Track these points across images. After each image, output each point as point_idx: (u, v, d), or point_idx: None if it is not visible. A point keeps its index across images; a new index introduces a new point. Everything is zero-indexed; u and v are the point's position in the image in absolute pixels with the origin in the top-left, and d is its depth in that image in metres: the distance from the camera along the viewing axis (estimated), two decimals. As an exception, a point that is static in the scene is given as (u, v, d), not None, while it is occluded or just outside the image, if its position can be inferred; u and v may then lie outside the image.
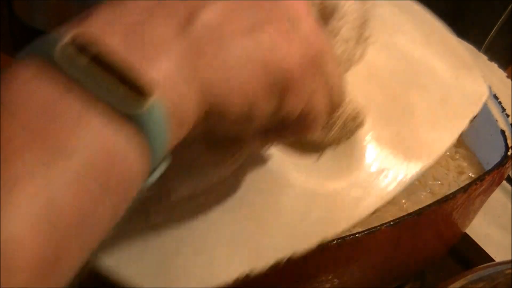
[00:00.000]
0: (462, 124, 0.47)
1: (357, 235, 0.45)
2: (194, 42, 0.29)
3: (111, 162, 0.26)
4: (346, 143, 0.42)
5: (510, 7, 0.77)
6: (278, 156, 0.41)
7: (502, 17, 0.77)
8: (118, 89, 0.26)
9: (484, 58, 0.58)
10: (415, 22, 0.51)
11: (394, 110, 0.45)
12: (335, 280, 0.48)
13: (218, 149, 0.36)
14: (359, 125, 0.41)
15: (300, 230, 0.39)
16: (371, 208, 0.42)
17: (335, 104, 0.36)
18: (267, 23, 0.31)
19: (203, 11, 0.30)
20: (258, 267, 0.37)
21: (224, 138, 0.35)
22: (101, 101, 0.26)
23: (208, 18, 0.30)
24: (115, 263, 0.36)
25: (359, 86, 0.42)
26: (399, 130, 0.44)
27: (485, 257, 0.64)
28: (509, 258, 0.56)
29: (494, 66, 0.58)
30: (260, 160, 0.40)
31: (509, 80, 0.56)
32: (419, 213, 0.47)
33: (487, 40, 0.77)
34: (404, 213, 0.46)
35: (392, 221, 0.46)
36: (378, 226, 0.45)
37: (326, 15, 0.39)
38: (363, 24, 0.41)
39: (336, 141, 0.41)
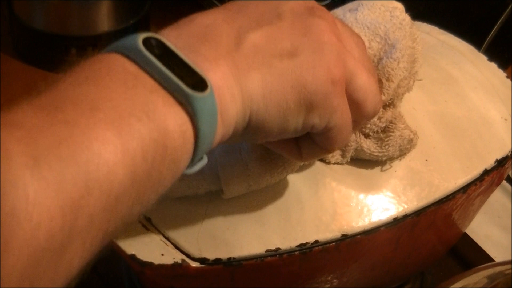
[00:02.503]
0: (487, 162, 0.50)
1: (357, 236, 0.45)
2: (242, 58, 0.35)
3: (168, 139, 0.31)
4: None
5: (510, 7, 0.77)
6: (322, 170, 0.47)
7: (502, 17, 0.77)
8: (181, 79, 0.31)
9: (484, 58, 0.58)
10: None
11: (427, 141, 0.50)
12: (335, 280, 0.48)
13: (267, 159, 0.43)
14: (412, 146, 0.48)
15: (325, 222, 0.45)
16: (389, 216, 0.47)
17: (365, 117, 0.41)
18: (301, 50, 0.36)
19: (250, 33, 0.36)
20: (285, 245, 0.44)
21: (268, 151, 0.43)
22: (164, 88, 0.32)
23: (255, 39, 0.36)
24: (176, 235, 0.43)
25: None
26: (427, 159, 0.49)
27: (485, 257, 0.64)
28: (509, 258, 0.56)
29: (494, 66, 0.58)
30: (308, 172, 0.47)
31: (509, 80, 0.56)
32: (419, 213, 0.47)
33: (487, 40, 0.77)
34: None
35: (392, 221, 0.46)
36: (378, 226, 0.45)
37: (389, 49, 0.46)
38: (413, 60, 0.47)
39: (391, 158, 0.48)
